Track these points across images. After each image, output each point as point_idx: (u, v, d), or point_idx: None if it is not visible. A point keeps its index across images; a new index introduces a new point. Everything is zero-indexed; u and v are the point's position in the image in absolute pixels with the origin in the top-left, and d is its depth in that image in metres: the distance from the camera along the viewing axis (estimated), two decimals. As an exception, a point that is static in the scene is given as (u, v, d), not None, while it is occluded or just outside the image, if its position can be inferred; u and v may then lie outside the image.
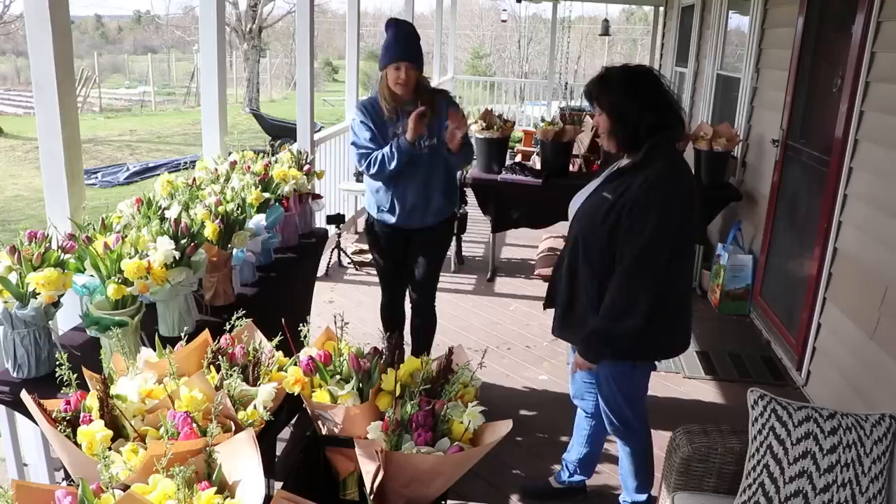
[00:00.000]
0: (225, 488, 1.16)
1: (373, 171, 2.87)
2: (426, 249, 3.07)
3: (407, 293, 3.26)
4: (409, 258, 3.11)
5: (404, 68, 2.74)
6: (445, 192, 3.01)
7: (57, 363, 1.30)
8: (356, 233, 5.89)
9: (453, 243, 5.03)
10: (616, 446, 2.36)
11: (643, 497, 2.36)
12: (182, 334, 1.58)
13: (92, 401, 1.30)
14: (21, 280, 1.67)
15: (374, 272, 3.39)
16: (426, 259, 3.07)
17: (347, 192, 5.70)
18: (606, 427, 2.31)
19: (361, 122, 2.87)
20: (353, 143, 2.93)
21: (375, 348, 1.57)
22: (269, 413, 1.40)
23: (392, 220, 2.98)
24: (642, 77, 2.05)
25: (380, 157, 2.82)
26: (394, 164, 2.80)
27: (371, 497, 1.33)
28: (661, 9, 9.50)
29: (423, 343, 3.25)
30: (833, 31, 3.62)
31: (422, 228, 3.01)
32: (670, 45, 8.39)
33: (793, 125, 4.06)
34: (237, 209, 2.26)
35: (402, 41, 2.79)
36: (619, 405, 2.22)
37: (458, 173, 5.33)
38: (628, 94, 2.00)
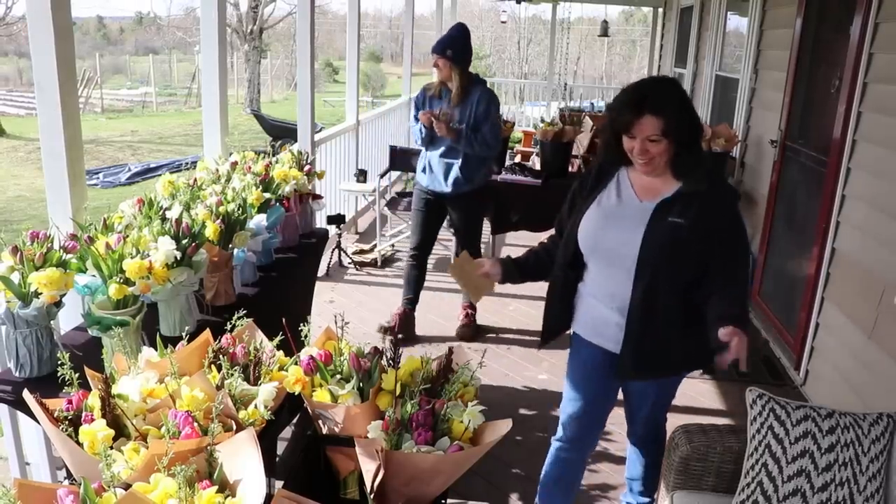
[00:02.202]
0: (226, 487, 1.17)
1: (414, 138, 3.73)
2: (457, 216, 3.78)
3: (429, 256, 3.93)
4: (449, 218, 3.87)
5: (435, 59, 3.51)
6: (463, 169, 3.59)
7: (59, 363, 1.31)
8: (356, 233, 5.90)
9: (454, 243, 5.05)
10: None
11: (647, 500, 2.36)
12: (183, 334, 1.58)
13: (94, 400, 1.30)
14: (23, 280, 1.68)
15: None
16: (461, 224, 3.80)
17: (348, 192, 5.70)
18: (642, 438, 2.24)
19: (415, 100, 3.73)
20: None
21: (375, 348, 1.58)
22: (269, 412, 1.40)
23: (424, 181, 3.72)
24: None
25: (413, 129, 3.70)
26: (418, 139, 3.66)
27: (371, 496, 1.34)
28: (660, 10, 9.51)
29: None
30: (831, 32, 3.62)
31: (448, 196, 3.65)
32: (669, 47, 8.39)
33: (791, 126, 4.06)
34: (238, 209, 2.27)
35: (441, 39, 3.57)
36: (667, 411, 2.21)
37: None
38: (691, 110, 1.85)
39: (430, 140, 3.58)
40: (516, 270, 2.12)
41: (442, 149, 3.59)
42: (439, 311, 3.96)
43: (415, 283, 3.86)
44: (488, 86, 3.67)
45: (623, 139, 1.82)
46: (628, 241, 1.85)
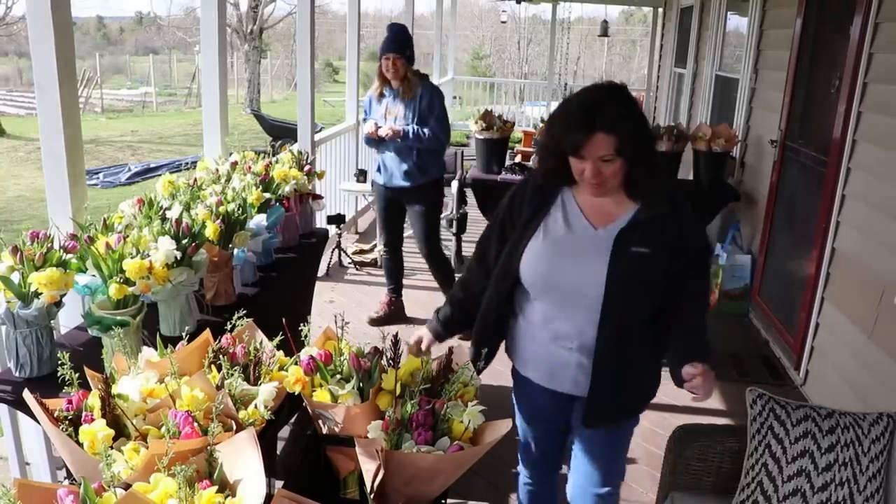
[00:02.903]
0: (226, 487, 1.17)
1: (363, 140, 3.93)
2: (413, 207, 3.84)
3: (401, 246, 4.07)
4: (407, 215, 3.91)
5: (392, 58, 3.56)
6: (416, 162, 3.71)
7: (59, 362, 1.31)
8: (356, 233, 5.89)
9: (453, 243, 5.05)
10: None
11: None
12: (183, 334, 1.58)
13: (94, 400, 1.30)
14: (23, 280, 1.68)
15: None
16: (416, 216, 3.84)
17: (348, 192, 5.70)
18: (604, 488, 1.89)
19: (364, 105, 3.87)
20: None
21: (375, 348, 1.58)
22: (269, 412, 1.40)
23: (381, 179, 3.84)
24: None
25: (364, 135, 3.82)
26: (365, 141, 3.84)
27: (371, 496, 1.34)
28: (661, 10, 9.51)
29: (443, 283, 3.97)
30: (831, 32, 3.62)
31: (405, 189, 3.75)
32: (669, 47, 8.39)
33: (791, 126, 4.06)
34: (238, 209, 2.27)
35: (393, 38, 3.58)
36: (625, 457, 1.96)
37: (459, 173, 5.37)
38: (644, 122, 1.64)
39: (379, 142, 3.71)
40: (444, 331, 1.88)
41: (394, 147, 3.72)
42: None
43: (395, 273, 4.07)
44: (432, 81, 3.85)
45: (570, 160, 1.59)
46: (589, 277, 1.62)
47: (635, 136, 1.56)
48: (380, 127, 3.65)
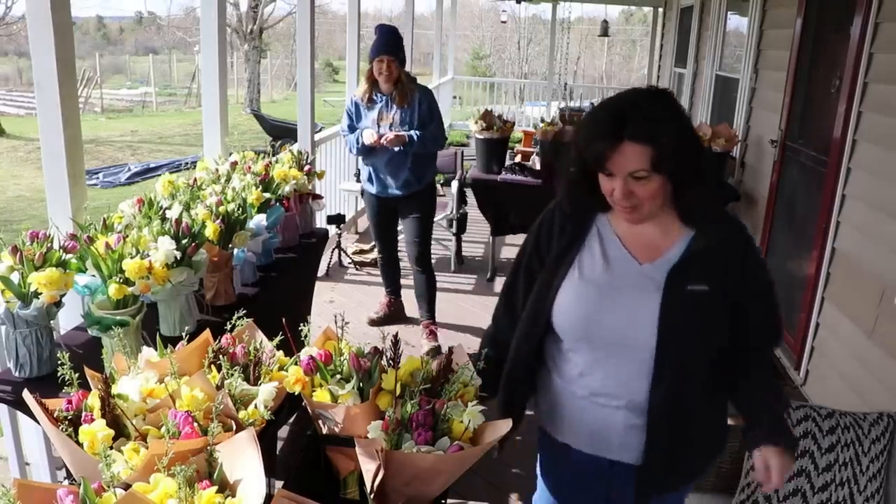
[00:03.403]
0: (226, 487, 1.17)
1: (348, 147, 3.73)
2: (408, 214, 3.71)
3: (397, 251, 3.99)
4: (401, 224, 3.80)
5: (386, 61, 3.39)
6: (413, 169, 3.58)
7: (59, 363, 1.31)
8: (356, 233, 5.89)
9: (453, 243, 5.05)
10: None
11: None
12: (183, 334, 1.58)
13: (93, 400, 1.30)
14: (23, 280, 1.68)
15: (375, 272, 3.98)
16: (410, 222, 3.71)
17: (348, 192, 5.70)
18: None
19: (347, 111, 3.66)
20: (341, 127, 3.76)
21: (375, 348, 1.58)
22: (269, 412, 1.40)
23: (373, 189, 3.69)
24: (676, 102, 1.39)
25: (350, 140, 3.63)
26: (354, 150, 3.62)
27: (371, 496, 1.34)
28: (661, 10, 9.51)
29: (423, 297, 3.83)
30: (831, 32, 3.62)
31: (400, 197, 3.64)
32: (669, 46, 8.39)
33: (791, 126, 4.06)
34: (238, 209, 2.27)
35: (385, 40, 3.41)
36: None
37: (459, 173, 5.36)
38: (690, 132, 1.36)
39: (369, 151, 3.55)
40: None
41: (386, 155, 3.54)
42: (439, 309, 3.95)
43: (393, 275, 4.03)
44: (422, 83, 3.77)
45: (599, 178, 1.35)
46: (637, 323, 1.36)
47: (678, 148, 1.28)
48: (382, 135, 3.46)
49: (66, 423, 1.26)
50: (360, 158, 3.76)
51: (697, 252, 1.37)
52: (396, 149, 3.47)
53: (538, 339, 1.50)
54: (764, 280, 1.44)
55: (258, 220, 2.44)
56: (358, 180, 5.66)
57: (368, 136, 3.48)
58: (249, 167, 2.79)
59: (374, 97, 3.53)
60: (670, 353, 1.36)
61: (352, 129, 3.63)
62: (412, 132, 3.49)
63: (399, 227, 3.88)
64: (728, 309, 1.38)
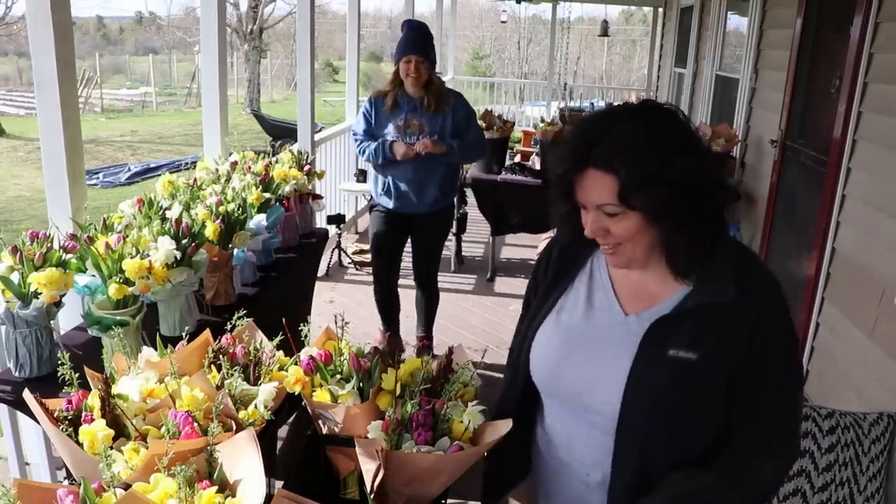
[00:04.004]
0: (226, 487, 1.17)
1: (363, 157, 3.25)
2: (425, 234, 3.35)
3: (398, 279, 3.55)
4: (412, 241, 3.41)
5: (414, 62, 3.02)
6: (441, 185, 3.22)
7: (59, 362, 1.31)
8: (356, 233, 5.89)
9: (453, 243, 5.05)
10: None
11: None
12: (183, 334, 1.58)
13: (93, 400, 1.30)
14: (23, 280, 1.68)
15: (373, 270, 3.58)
16: (426, 242, 3.38)
17: (348, 192, 5.70)
18: None
19: (364, 114, 3.22)
20: (352, 131, 3.31)
21: (376, 348, 1.58)
22: (269, 412, 1.40)
23: (389, 204, 3.24)
24: (680, 125, 1.10)
25: (369, 150, 3.17)
26: (379, 160, 3.15)
27: (371, 496, 1.34)
28: (661, 10, 9.51)
29: (423, 311, 3.56)
30: (831, 32, 3.62)
31: (419, 214, 3.25)
32: (669, 46, 8.39)
33: (791, 126, 4.07)
34: (238, 209, 2.27)
35: (414, 38, 3.06)
36: None
37: (459, 173, 5.36)
38: (685, 159, 1.05)
39: (393, 161, 3.12)
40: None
41: (411, 166, 3.13)
42: (439, 309, 3.96)
43: (391, 308, 3.51)
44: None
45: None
46: (605, 385, 1.13)
47: (651, 182, 1.02)
48: (412, 144, 3.06)
49: (66, 423, 1.26)
50: (375, 168, 3.28)
51: (690, 311, 1.09)
52: (422, 153, 3.04)
53: (521, 389, 1.30)
54: (779, 363, 1.10)
55: (258, 220, 2.44)
56: (358, 180, 5.67)
57: (401, 150, 3.05)
58: (249, 167, 2.79)
59: (400, 100, 3.11)
60: (633, 426, 1.11)
61: (369, 135, 3.19)
62: (452, 142, 3.12)
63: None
64: (727, 387, 1.10)
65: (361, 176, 5.70)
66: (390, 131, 3.13)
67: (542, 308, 1.25)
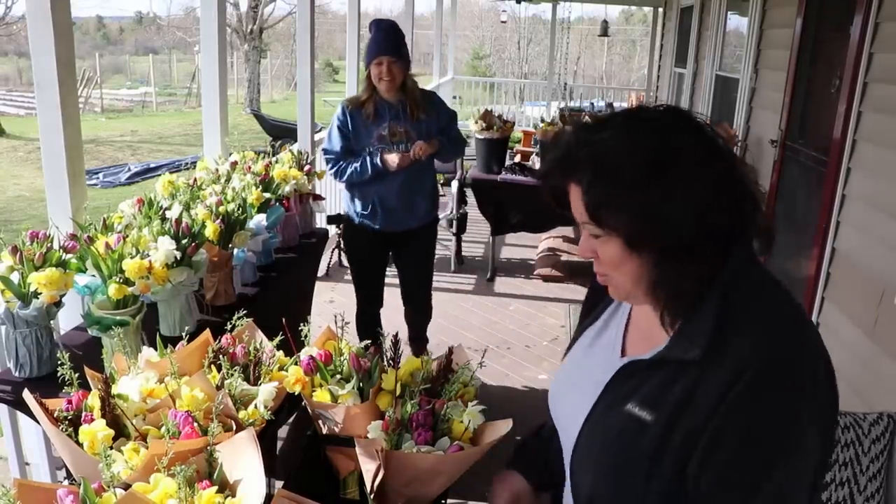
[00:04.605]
0: (226, 487, 1.17)
1: (342, 179, 2.91)
2: (416, 253, 3.07)
3: (385, 299, 3.25)
4: (399, 261, 3.12)
5: (386, 63, 2.75)
6: (430, 195, 3.02)
7: (59, 362, 1.31)
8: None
9: (453, 243, 5.05)
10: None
11: None
12: (183, 334, 1.58)
13: (93, 400, 1.30)
14: (23, 280, 1.68)
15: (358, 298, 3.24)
16: (418, 263, 3.09)
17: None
18: None
19: (339, 128, 2.89)
20: (324, 150, 2.96)
21: (376, 348, 1.58)
22: (269, 412, 1.40)
23: (375, 225, 2.93)
24: (684, 127, 0.91)
25: (352, 168, 2.85)
26: (366, 177, 2.84)
27: (371, 496, 1.34)
28: (660, 10, 9.51)
29: (415, 325, 3.28)
30: (831, 31, 3.62)
31: (405, 232, 2.98)
32: (669, 46, 8.39)
33: (791, 126, 4.07)
34: (238, 209, 2.27)
35: (384, 38, 2.79)
36: None
37: (459, 173, 5.36)
38: (666, 182, 0.86)
39: (378, 176, 2.84)
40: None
41: (400, 179, 2.85)
42: (439, 310, 3.96)
43: (375, 337, 3.04)
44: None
45: None
46: (573, 427, 1.03)
47: (621, 198, 0.87)
48: (403, 153, 2.81)
49: (66, 423, 1.26)
50: (353, 187, 2.95)
51: (662, 364, 0.92)
52: (421, 157, 2.80)
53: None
54: (738, 471, 0.85)
55: (258, 220, 2.44)
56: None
57: (395, 159, 2.78)
58: (249, 167, 2.80)
59: (379, 108, 2.84)
60: (581, 479, 1.01)
61: (347, 151, 2.88)
62: (440, 137, 2.93)
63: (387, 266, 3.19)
64: (673, 474, 0.90)
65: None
66: (373, 143, 2.83)
67: (575, 337, 1.17)
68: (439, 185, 3.24)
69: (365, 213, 2.96)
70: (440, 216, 3.33)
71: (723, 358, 0.85)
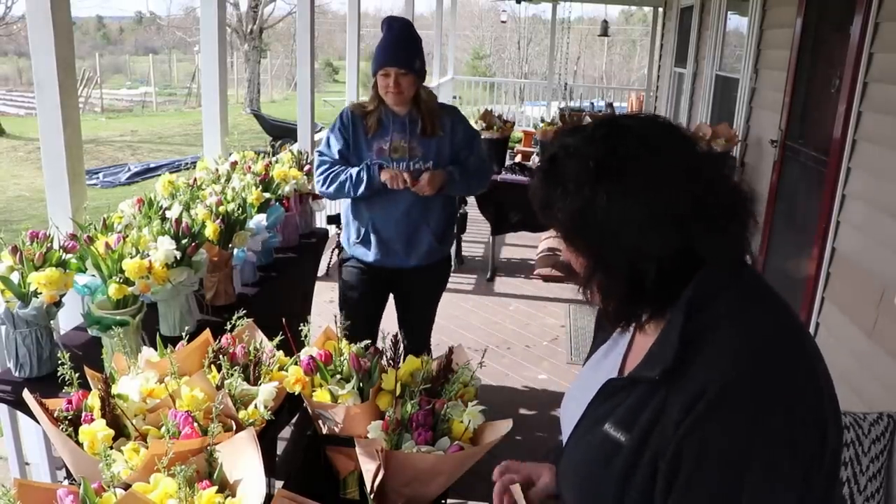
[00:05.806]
0: (226, 487, 1.17)
1: (329, 188, 2.45)
2: (418, 294, 2.64)
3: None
4: (397, 302, 2.71)
5: (394, 75, 2.34)
6: (437, 230, 2.52)
7: (59, 362, 1.31)
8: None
9: (453, 243, 5.05)
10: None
11: None
12: (183, 334, 1.58)
13: (93, 400, 1.30)
14: (23, 280, 1.68)
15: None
16: (419, 303, 2.67)
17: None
18: None
19: (339, 129, 2.49)
20: (319, 152, 2.55)
21: (376, 348, 1.58)
22: (269, 412, 1.40)
23: (368, 256, 2.52)
24: (663, 136, 0.95)
25: (344, 177, 2.43)
26: (360, 191, 2.41)
27: (371, 496, 1.34)
28: (660, 10, 9.51)
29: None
30: (831, 31, 3.62)
31: (411, 270, 2.53)
32: (669, 46, 8.39)
33: (791, 126, 4.07)
34: (238, 209, 2.27)
35: (394, 44, 2.38)
36: None
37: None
38: (642, 188, 0.87)
39: (373, 196, 2.44)
40: None
41: (404, 204, 2.44)
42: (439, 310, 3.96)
43: None
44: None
45: None
46: (567, 441, 1.04)
47: (553, 201, 0.90)
48: (397, 172, 2.38)
49: (66, 423, 1.26)
50: (348, 207, 2.57)
51: (635, 383, 0.91)
52: (411, 189, 2.38)
53: None
54: (704, 485, 0.82)
55: (258, 219, 2.44)
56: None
57: (388, 176, 2.37)
58: (249, 167, 2.80)
59: (384, 119, 2.43)
60: (566, 495, 1.01)
61: (344, 159, 2.47)
62: (451, 168, 2.46)
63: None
64: (632, 495, 0.87)
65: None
66: (372, 156, 2.43)
67: (591, 351, 1.14)
68: (455, 219, 2.76)
69: (357, 241, 2.54)
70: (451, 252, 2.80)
71: (684, 380, 0.84)
